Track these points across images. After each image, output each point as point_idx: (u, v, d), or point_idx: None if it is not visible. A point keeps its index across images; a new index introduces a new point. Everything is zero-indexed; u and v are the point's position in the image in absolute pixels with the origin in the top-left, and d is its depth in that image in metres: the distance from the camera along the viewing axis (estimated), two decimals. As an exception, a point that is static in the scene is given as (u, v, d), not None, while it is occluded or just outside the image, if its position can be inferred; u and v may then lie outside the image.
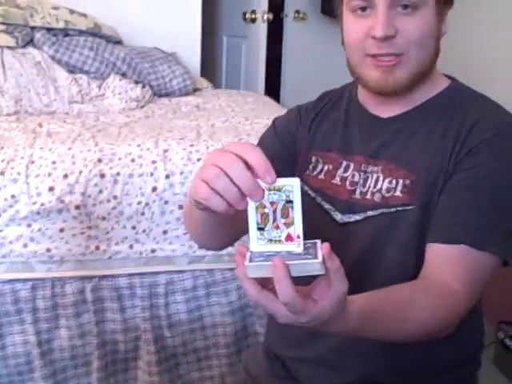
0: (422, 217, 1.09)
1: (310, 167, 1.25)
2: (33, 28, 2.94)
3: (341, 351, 1.17)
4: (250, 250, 0.83)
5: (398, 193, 1.12)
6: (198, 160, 2.04)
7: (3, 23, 2.86)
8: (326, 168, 1.23)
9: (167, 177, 2.01)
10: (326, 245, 0.79)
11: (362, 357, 1.16)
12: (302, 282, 0.80)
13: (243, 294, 2.06)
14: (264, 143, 1.32)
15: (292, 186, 0.81)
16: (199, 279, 2.06)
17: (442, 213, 1.08)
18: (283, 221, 0.83)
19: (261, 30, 3.80)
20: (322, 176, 1.23)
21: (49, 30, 2.98)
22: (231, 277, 2.06)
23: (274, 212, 0.82)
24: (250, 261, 0.81)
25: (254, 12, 3.85)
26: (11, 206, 1.93)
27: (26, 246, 1.96)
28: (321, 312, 0.80)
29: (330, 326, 0.84)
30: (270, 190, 0.81)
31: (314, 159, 1.25)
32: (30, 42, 2.93)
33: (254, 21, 3.85)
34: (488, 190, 1.06)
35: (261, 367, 1.32)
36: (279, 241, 0.83)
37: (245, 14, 3.89)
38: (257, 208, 0.82)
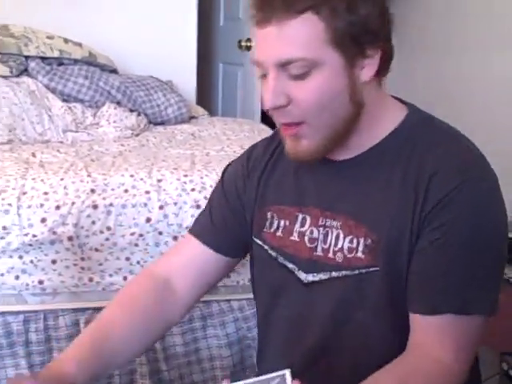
0: (388, 279, 1.02)
1: (267, 224, 1.18)
2: (27, 57, 2.93)
3: None
4: None
5: (359, 253, 1.04)
6: (192, 190, 2.02)
7: (-3, 53, 2.85)
8: (282, 224, 1.15)
9: (161, 207, 1.98)
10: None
11: None
12: None
13: (240, 326, 2.02)
14: (213, 205, 1.28)
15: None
16: (195, 311, 2.02)
17: (417, 280, 1.00)
18: None
19: (256, 58, 3.79)
20: (279, 233, 1.15)
21: (43, 59, 2.97)
22: (228, 308, 2.03)
23: None
24: None
25: (248, 40, 3.85)
26: (2, 238, 1.90)
27: (17, 277, 1.92)
28: None
29: None
30: None
31: (269, 215, 1.18)
32: (25, 72, 2.92)
33: (249, 48, 3.85)
34: (464, 248, 0.98)
35: None
36: None
37: (240, 41, 3.90)
38: None
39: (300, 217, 1.13)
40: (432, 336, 0.99)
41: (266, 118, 3.79)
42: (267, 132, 2.96)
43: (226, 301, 2.01)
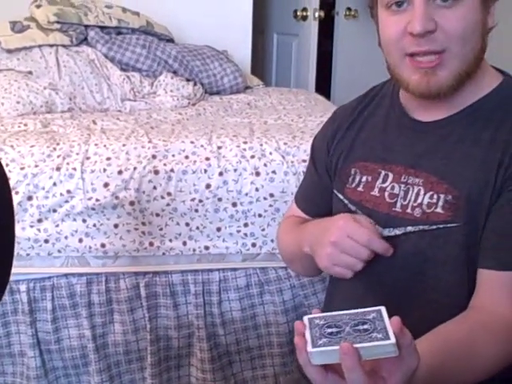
0: (467, 236, 1.03)
1: (350, 179, 1.21)
2: (86, 26, 2.97)
3: None
4: (308, 325, 0.79)
5: (439, 209, 1.06)
6: (252, 157, 2.02)
7: (58, 22, 2.89)
8: (364, 179, 1.19)
9: (221, 174, 1.99)
10: (397, 320, 0.77)
11: None
12: None
13: (297, 293, 2.04)
14: (307, 175, 1.39)
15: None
16: (253, 277, 2.04)
17: (493, 236, 1.02)
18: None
19: (312, 28, 3.78)
20: (360, 188, 1.19)
21: (102, 28, 3.00)
22: (285, 275, 2.04)
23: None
24: (313, 343, 0.76)
25: (305, 10, 3.82)
26: (67, 201, 1.94)
27: (81, 240, 1.97)
28: None
29: None
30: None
31: (353, 171, 1.21)
32: (84, 41, 2.96)
33: (305, 18, 3.83)
34: None
35: None
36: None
37: (296, 11, 3.87)
38: None
39: (383, 173, 1.15)
40: (499, 292, 1.00)
41: (319, 89, 3.77)
42: (323, 102, 2.95)
43: (283, 268, 2.02)
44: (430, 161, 1.09)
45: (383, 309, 0.79)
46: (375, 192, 1.15)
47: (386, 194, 1.13)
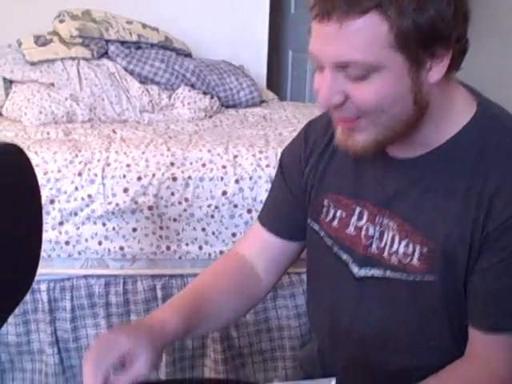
0: (444, 288, 0.99)
1: (324, 211, 1.14)
2: (107, 41, 3.06)
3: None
4: None
5: (415, 260, 1.01)
6: (267, 166, 2.09)
7: (80, 36, 2.98)
8: (338, 214, 1.12)
9: (237, 181, 2.06)
10: None
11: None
12: None
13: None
14: (275, 193, 1.27)
15: None
16: (266, 282, 2.09)
17: (480, 301, 0.98)
18: None
19: (326, 45, 3.83)
20: (335, 224, 1.12)
21: (122, 43, 3.09)
22: (297, 280, 2.09)
23: None
24: None
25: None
26: (88, 206, 2.02)
27: (100, 243, 2.04)
28: None
29: None
30: None
31: (326, 202, 1.14)
32: (105, 55, 3.05)
33: (319, 36, 3.89)
34: None
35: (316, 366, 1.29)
36: None
37: (310, 29, 3.94)
38: None
39: (357, 210, 1.09)
40: (490, 350, 0.98)
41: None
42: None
43: (296, 273, 2.07)
44: (401, 204, 1.03)
45: (333, 381, 0.82)
46: (350, 230, 1.10)
47: (362, 233, 1.08)
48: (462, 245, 0.96)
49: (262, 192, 2.05)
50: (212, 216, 2.06)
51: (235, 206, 2.06)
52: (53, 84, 2.80)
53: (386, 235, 1.05)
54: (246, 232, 1.44)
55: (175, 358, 2.06)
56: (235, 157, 2.12)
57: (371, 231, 1.07)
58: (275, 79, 4.26)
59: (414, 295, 1.02)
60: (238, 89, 3.13)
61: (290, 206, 1.22)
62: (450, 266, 0.98)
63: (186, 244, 2.07)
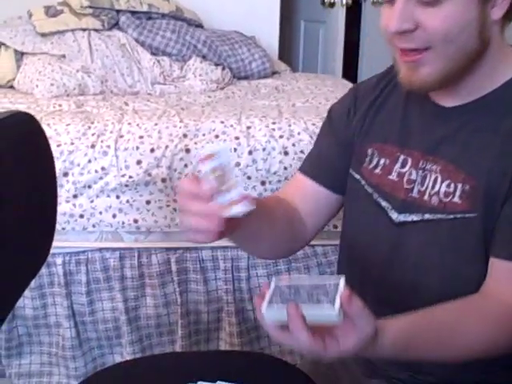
0: (485, 226, 1.01)
1: (367, 160, 1.18)
2: (118, 11, 3.03)
3: None
4: (272, 286, 0.83)
5: (456, 198, 1.03)
6: (280, 137, 2.07)
7: (90, 7, 2.96)
8: (382, 162, 1.15)
9: (250, 153, 2.04)
10: (347, 290, 0.79)
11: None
12: None
13: (324, 270, 2.08)
14: (319, 142, 1.29)
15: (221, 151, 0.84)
16: (280, 254, 2.09)
17: (505, 226, 1.00)
18: (230, 183, 0.84)
19: (339, 15, 3.80)
20: (378, 171, 1.15)
21: (133, 13, 3.06)
22: (312, 253, 2.09)
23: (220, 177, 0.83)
24: (268, 303, 0.81)
25: (333, -4, 3.84)
26: (101, 178, 2.01)
27: (114, 216, 2.03)
28: (343, 352, 0.82)
29: (362, 355, 0.86)
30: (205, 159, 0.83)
31: (369, 151, 1.17)
32: (116, 25, 3.02)
33: (332, 5, 3.84)
34: None
35: None
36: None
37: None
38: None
39: (401, 157, 1.12)
40: (506, 281, 0.99)
41: (346, 77, 3.80)
42: (350, 87, 2.97)
43: (310, 246, 2.06)
44: (448, 148, 1.06)
45: (342, 278, 0.81)
46: (393, 176, 1.13)
47: (405, 179, 1.11)
48: (504, 179, 0.99)
49: (276, 163, 2.03)
50: (226, 188, 2.04)
51: (249, 177, 2.04)
52: (64, 56, 2.78)
53: (428, 179, 1.08)
54: (284, 184, 1.47)
55: (190, 331, 2.06)
56: (248, 128, 2.10)
57: (414, 175, 1.10)
58: (287, 50, 4.21)
59: (453, 235, 1.04)
60: (249, 60, 3.10)
61: (334, 157, 1.24)
62: (491, 202, 1.00)
63: (200, 216, 2.06)
